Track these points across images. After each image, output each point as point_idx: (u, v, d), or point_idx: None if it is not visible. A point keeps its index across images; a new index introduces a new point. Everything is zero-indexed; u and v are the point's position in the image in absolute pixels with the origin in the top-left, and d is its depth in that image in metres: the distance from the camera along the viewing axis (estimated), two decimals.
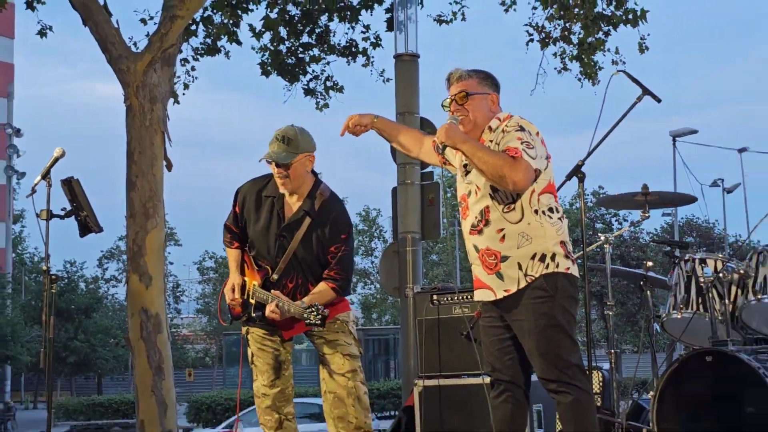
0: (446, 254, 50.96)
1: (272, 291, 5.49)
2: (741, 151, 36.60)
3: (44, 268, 5.32)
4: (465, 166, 4.75)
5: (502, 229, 4.56)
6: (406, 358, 10.87)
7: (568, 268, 4.53)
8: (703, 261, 5.68)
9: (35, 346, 43.21)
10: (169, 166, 9.94)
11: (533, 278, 4.49)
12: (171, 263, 51.25)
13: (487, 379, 4.87)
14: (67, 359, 45.40)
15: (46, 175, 5.31)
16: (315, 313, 5.28)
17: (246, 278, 5.70)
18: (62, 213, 5.34)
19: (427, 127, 10.72)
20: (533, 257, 4.51)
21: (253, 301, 5.59)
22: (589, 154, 5.14)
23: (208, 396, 31.70)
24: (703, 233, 44.36)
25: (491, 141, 4.61)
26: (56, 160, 5.37)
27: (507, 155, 4.43)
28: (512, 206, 4.55)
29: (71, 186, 5.32)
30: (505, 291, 4.55)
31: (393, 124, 5.21)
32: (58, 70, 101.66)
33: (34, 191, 5.28)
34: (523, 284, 4.51)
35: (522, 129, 4.55)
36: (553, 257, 4.51)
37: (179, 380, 21.54)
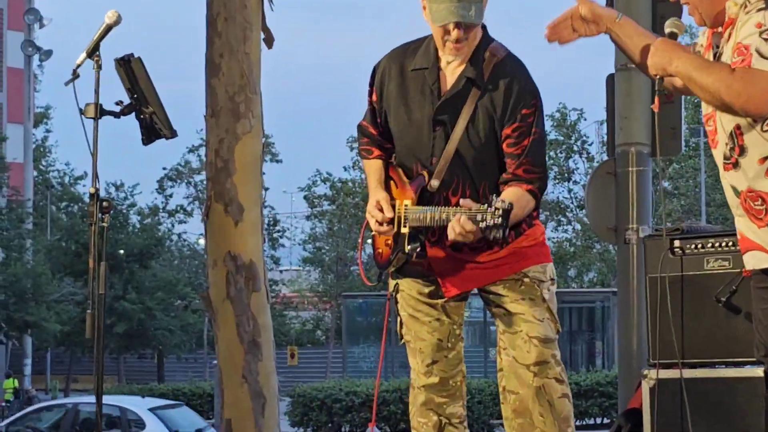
0: (686, 179, 50.37)
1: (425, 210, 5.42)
2: None
3: (91, 190, 5.40)
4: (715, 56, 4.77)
5: (767, 158, 4.55)
6: (626, 337, 10.88)
7: None
8: None
9: (67, 308, 44.46)
10: (269, 41, 10.07)
11: None
12: (266, 189, 51.78)
13: (759, 371, 4.86)
14: (114, 328, 46.03)
15: (93, 53, 5.35)
16: (491, 211, 5.02)
17: (394, 199, 5.62)
18: (118, 109, 5.42)
19: None
20: None
21: (406, 230, 5.49)
22: None
23: (320, 388, 32.07)
24: None
25: (743, 24, 4.57)
26: (108, 28, 5.39)
27: (726, 68, 4.47)
28: None
29: (131, 68, 5.39)
30: None
31: (638, 31, 5.10)
32: None
33: (76, 75, 5.34)
34: None
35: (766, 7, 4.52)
36: None
37: (279, 364, 21.78)
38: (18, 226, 43.89)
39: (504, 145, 5.44)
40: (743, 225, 4.70)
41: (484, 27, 5.58)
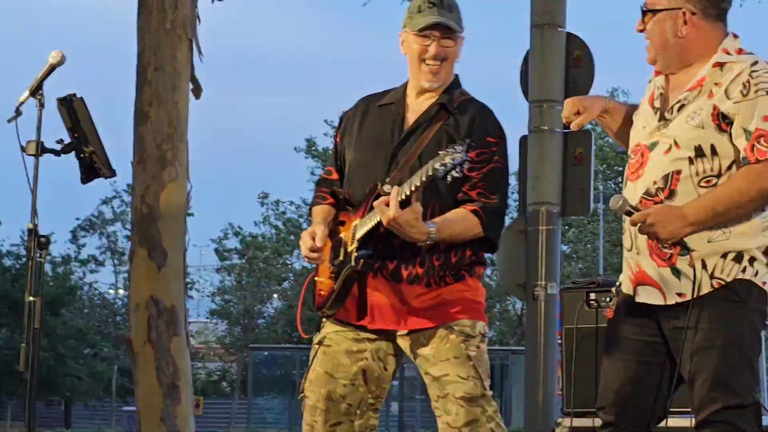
0: (584, 243, 50.75)
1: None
2: None
3: (29, 225, 5.36)
4: (663, 110, 4.85)
5: None
6: (532, 391, 10.87)
7: (765, 283, 4.69)
8: None
9: None
10: (197, 92, 10.05)
11: (722, 282, 4.67)
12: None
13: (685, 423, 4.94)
14: (23, 376, 45.36)
15: (36, 91, 5.30)
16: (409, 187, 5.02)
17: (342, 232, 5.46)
18: (59, 147, 5.37)
19: (575, 45, 10.77)
20: (725, 256, 4.67)
21: (353, 246, 5.33)
22: None
23: None
24: None
25: (718, 86, 4.71)
26: (52, 68, 5.31)
27: (754, 172, 4.59)
28: (714, 181, 4.66)
29: (73, 108, 5.34)
30: (679, 295, 4.70)
31: (622, 109, 5.18)
32: None
33: (18, 113, 5.28)
34: (705, 290, 4.66)
35: None
36: (751, 261, 4.68)
37: None
38: None
39: (465, 170, 5.21)
40: (643, 261, 4.79)
41: (456, 75, 5.60)
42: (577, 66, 10.71)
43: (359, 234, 5.31)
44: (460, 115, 5.42)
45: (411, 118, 5.51)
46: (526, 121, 11.11)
